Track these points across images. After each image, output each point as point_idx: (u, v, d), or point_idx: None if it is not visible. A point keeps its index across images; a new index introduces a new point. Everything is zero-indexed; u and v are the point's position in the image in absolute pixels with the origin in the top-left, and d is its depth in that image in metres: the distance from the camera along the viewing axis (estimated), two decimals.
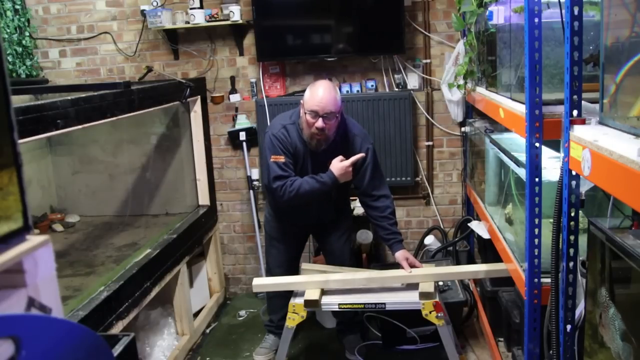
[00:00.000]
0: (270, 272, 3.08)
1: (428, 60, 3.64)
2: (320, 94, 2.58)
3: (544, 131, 1.85)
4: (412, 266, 2.68)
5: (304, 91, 3.68)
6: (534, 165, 1.89)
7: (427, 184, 3.80)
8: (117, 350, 1.21)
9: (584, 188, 1.60)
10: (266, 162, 2.72)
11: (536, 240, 1.94)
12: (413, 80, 3.67)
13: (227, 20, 3.57)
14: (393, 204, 2.81)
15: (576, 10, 1.49)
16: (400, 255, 2.72)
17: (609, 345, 1.30)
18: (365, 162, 2.73)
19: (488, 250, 3.00)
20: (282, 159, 2.65)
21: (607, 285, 1.34)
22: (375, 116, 3.61)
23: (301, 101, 2.67)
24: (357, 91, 3.70)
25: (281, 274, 2.95)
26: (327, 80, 2.77)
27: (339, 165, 2.65)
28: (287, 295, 2.78)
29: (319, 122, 2.58)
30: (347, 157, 2.70)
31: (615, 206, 1.52)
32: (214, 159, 3.88)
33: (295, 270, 3.04)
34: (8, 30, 3.60)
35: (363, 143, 2.74)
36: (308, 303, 2.61)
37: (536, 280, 1.96)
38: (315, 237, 3.24)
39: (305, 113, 2.62)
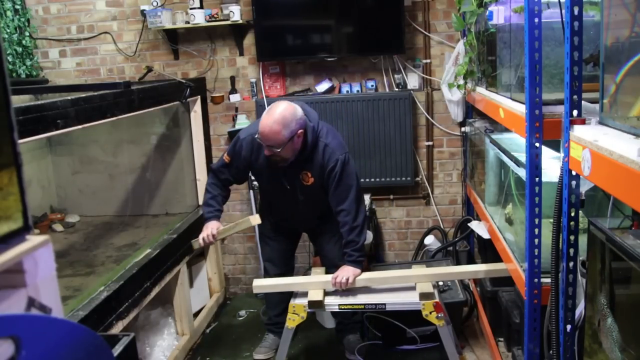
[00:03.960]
0: (264, 268, 3.15)
1: (428, 60, 3.64)
2: (262, 126, 2.48)
3: (544, 131, 1.85)
4: (338, 284, 2.63)
5: (304, 91, 3.74)
6: (534, 165, 1.89)
7: (427, 184, 3.80)
8: (117, 350, 1.21)
9: (584, 188, 1.60)
10: (225, 150, 2.83)
11: (536, 240, 1.94)
12: (413, 80, 3.67)
13: (227, 20, 3.57)
14: (354, 219, 2.64)
15: (576, 10, 1.49)
16: (340, 269, 2.67)
17: (608, 354, 1.30)
18: (333, 173, 2.61)
19: (488, 250, 3.00)
20: (227, 160, 2.74)
21: (607, 287, 1.33)
22: (375, 116, 3.61)
23: None
24: (357, 91, 3.70)
25: (271, 269, 3.03)
26: (283, 108, 2.49)
27: (206, 229, 2.73)
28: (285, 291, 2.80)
29: (265, 150, 2.55)
30: (315, 168, 2.65)
31: (615, 206, 1.52)
32: (214, 159, 3.87)
33: (286, 267, 3.06)
34: (8, 30, 3.60)
35: (332, 154, 2.61)
36: (312, 304, 2.61)
37: (536, 280, 1.96)
38: (309, 237, 3.23)
39: None
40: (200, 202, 3.71)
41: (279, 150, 2.50)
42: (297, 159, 2.61)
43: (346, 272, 2.62)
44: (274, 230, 3.01)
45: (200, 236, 2.73)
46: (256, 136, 2.55)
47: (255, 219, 2.72)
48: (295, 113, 2.52)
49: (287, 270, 3.06)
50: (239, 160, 2.72)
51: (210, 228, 2.72)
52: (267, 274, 3.06)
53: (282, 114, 2.47)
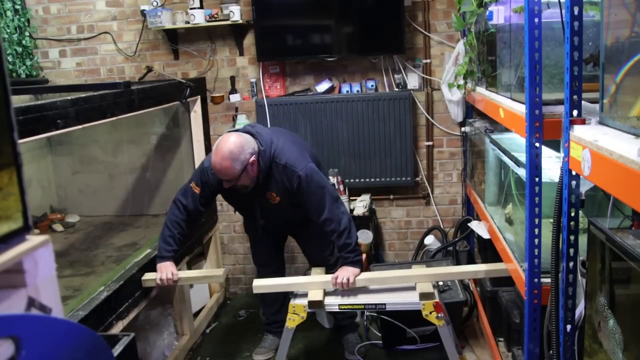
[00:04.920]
0: (256, 269, 3.20)
1: (428, 60, 3.64)
2: (213, 164, 2.51)
3: (544, 131, 1.85)
4: (340, 285, 2.61)
5: (304, 91, 3.74)
6: (534, 165, 1.89)
7: (427, 184, 3.80)
8: (117, 350, 1.21)
9: (584, 188, 1.60)
10: (189, 179, 2.79)
11: (536, 240, 1.94)
12: (413, 80, 3.67)
13: (227, 20, 3.57)
14: (339, 224, 2.60)
15: (576, 10, 1.49)
16: (339, 269, 2.64)
17: (609, 355, 1.30)
18: (301, 190, 2.60)
19: (488, 250, 3.00)
20: (197, 190, 2.71)
21: (607, 287, 1.33)
22: (375, 116, 3.61)
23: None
24: (357, 91, 3.70)
25: (261, 269, 3.09)
26: (230, 142, 2.50)
27: (165, 269, 2.66)
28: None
29: (226, 184, 2.57)
30: (278, 188, 2.65)
31: (615, 206, 1.52)
32: None
33: (274, 266, 3.07)
34: (8, 30, 3.60)
35: (292, 173, 2.59)
36: (312, 304, 2.61)
37: (536, 280, 1.96)
38: (295, 240, 3.21)
39: None
40: None
41: (235, 182, 2.54)
42: (257, 183, 2.62)
43: (346, 272, 2.63)
44: (256, 232, 3.04)
45: (158, 276, 2.66)
46: (211, 172, 2.59)
47: (223, 275, 2.81)
48: (243, 144, 2.51)
49: (278, 268, 3.09)
50: (207, 189, 2.72)
51: (169, 270, 2.67)
52: (260, 275, 3.08)
53: (229, 148, 2.47)
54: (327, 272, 2.78)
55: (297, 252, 3.88)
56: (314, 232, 2.88)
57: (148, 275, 2.71)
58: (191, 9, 3.57)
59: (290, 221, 2.92)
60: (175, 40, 3.81)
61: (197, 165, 3.65)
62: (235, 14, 3.53)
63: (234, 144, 2.50)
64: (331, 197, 2.63)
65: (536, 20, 1.81)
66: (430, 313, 2.55)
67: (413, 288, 2.65)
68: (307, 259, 3.12)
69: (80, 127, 2.22)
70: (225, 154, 2.47)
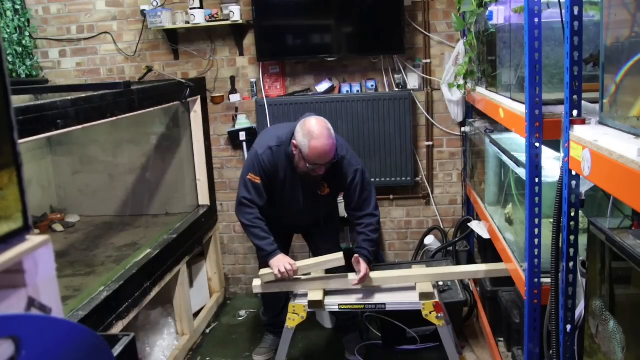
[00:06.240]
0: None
1: (428, 60, 3.64)
2: (323, 149, 2.49)
3: (544, 131, 1.85)
4: (360, 276, 2.62)
5: (304, 91, 3.73)
6: (534, 165, 1.89)
7: (427, 184, 3.80)
8: (117, 350, 1.20)
9: (584, 188, 1.60)
10: (243, 174, 2.74)
11: (536, 240, 1.94)
12: (413, 80, 3.67)
13: (227, 20, 3.57)
14: (378, 221, 2.76)
15: (576, 10, 1.49)
16: (362, 263, 2.63)
17: (609, 357, 1.30)
18: (354, 183, 2.70)
19: (488, 250, 3.00)
20: (258, 180, 2.67)
21: (607, 287, 1.33)
22: (375, 116, 3.61)
23: (294, 141, 2.58)
24: (357, 91, 3.70)
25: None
26: (322, 121, 2.56)
27: (281, 262, 2.61)
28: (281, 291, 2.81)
29: (321, 170, 2.57)
30: (333, 180, 2.71)
31: (615, 206, 1.52)
32: (214, 159, 3.88)
33: None
34: (8, 30, 3.60)
35: (350, 166, 2.69)
36: (312, 304, 2.61)
37: (536, 280, 1.96)
38: (303, 238, 3.23)
39: (302, 159, 2.56)
40: (200, 202, 3.72)
41: (335, 159, 2.59)
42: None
43: (365, 267, 2.63)
44: (284, 225, 3.01)
45: (276, 269, 2.60)
46: (315, 165, 2.54)
47: (342, 259, 2.66)
48: (325, 120, 2.60)
49: None
50: (265, 176, 2.68)
51: (285, 262, 2.62)
52: None
53: (324, 127, 2.53)
54: (330, 272, 2.78)
55: (297, 252, 3.88)
56: (326, 229, 2.96)
57: (264, 271, 2.65)
58: (191, 9, 3.57)
59: (317, 216, 2.94)
60: (175, 40, 3.81)
61: (197, 165, 3.66)
62: (235, 14, 3.53)
63: (322, 122, 2.57)
64: (375, 196, 2.78)
65: (536, 20, 1.81)
66: (430, 313, 2.55)
67: (413, 288, 2.65)
68: (314, 256, 3.09)
69: (80, 127, 2.22)
70: (328, 133, 2.53)
